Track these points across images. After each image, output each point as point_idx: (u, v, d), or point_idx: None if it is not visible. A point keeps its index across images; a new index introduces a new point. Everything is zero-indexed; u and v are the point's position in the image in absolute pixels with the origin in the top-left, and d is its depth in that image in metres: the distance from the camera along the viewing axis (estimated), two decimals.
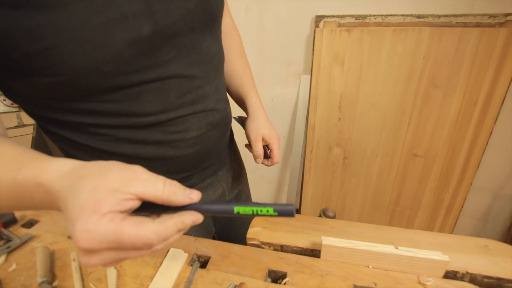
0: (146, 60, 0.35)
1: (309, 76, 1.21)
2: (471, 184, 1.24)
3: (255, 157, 0.58)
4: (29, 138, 1.71)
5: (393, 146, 1.23)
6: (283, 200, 1.69)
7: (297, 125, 1.32)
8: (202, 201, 0.27)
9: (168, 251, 0.51)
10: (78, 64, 0.30)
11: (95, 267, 0.23)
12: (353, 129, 1.24)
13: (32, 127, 1.83)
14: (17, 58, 0.29)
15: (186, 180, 0.51)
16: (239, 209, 0.26)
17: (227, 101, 0.54)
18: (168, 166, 0.46)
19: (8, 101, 1.71)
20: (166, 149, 0.43)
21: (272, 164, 0.60)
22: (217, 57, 0.46)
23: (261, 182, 1.67)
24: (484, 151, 1.17)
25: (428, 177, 1.26)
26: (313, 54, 1.16)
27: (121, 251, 0.23)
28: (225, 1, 0.51)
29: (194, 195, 0.26)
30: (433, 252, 0.46)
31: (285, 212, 0.25)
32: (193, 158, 0.47)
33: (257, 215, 0.26)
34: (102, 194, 0.22)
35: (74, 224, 0.21)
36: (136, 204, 0.24)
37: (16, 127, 1.79)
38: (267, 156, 0.60)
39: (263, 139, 0.57)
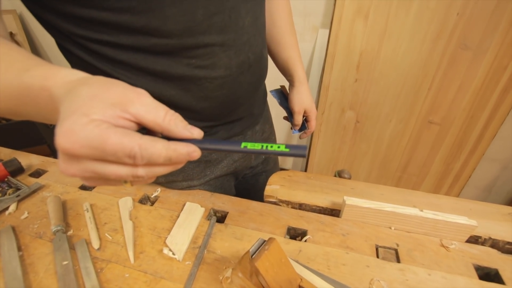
0: None
1: (328, 30, 1.11)
2: (483, 155, 1.21)
3: (294, 126, 0.61)
4: None
5: (409, 112, 1.17)
6: (289, 162, 1.69)
7: (310, 84, 1.25)
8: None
9: (184, 205, 0.49)
10: None
11: (74, 177, 0.22)
12: (369, 91, 1.17)
13: None
14: None
15: (211, 134, 0.47)
16: (246, 144, 0.24)
17: (265, 43, 0.48)
18: (191, 109, 0.42)
19: None
20: (189, 86, 0.39)
21: (307, 135, 0.64)
22: None
23: None
24: (503, 122, 1.13)
25: (440, 145, 1.23)
26: (334, 5, 1.04)
27: (102, 163, 0.21)
28: None
29: (195, 131, 0.24)
30: (459, 216, 0.45)
31: (297, 150, 0.23)
32: (219, 103, 0.43)
33: (267, 150, 0.23)
34: (98, 103, 0.21)
35: (60, 123, 0.20)
36: (131, 127, 0.22)
37: None
38: (304, 127, 0.62)
39: (304, 111, 0.60)
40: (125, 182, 0.24)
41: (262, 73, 0.48)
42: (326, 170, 1.46)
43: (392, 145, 1.28)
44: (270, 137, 0.65)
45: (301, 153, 0.23)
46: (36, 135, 1.58)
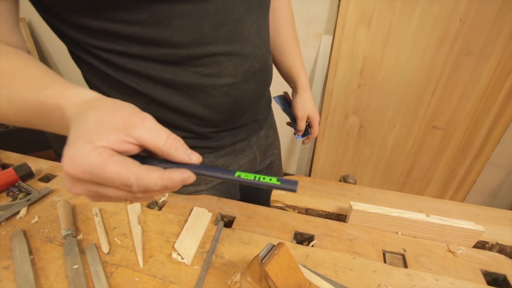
0: None
1: (331, 36, 1.12)
2: (488, 160, 1.21)
3: (297, 132, 0.63)
4: None
5: (413, 117, 1.18)
6: (293, 167, 1.69)
7: (313, 90, 1.26)
8: (220, 167, 0.26)
9: (191, 209, 0.50)
10: None
11: (78, 195, 0.24)
12: (373, 96, 1.18)
13: None
14: None
15: (217, 140, 0.48)
16: (240, 173, 0.25)
17: (270, 52, 0.49)
18: (197, 116, 0.43)
19: None
20: (196, 93, 0.40)
21: (310, 141, 0.65)
22: None
23: None
24: (507, 127, 1.12)
25: (444, 150, 1.23)
26: (338, 12, 1.05)
27: (102, 186, 0.23)
28: None
29: (194, 156, 0.25)
30: (466, 221, 0.45)
31: (288, 184, 0.24)
32: (225, 110, 0.44)
33: (259, 182, 0.24)
34: (104, 129, 0.22)
35: (67, 148, 0.22)
36: (134, 149, 0.24)
37: None
38: (307, 132, 0.64)
39: (307, 117, 0.61)
40: (125, 200, 0.25)
41: (267, 81, 0.49)
42: (330, 175, 1.46)
43: (396, 150, 1.29)
44: (274, 142, 0.65)
45: (291, 188, 0.23)
46: (43, 140, 1.60)
